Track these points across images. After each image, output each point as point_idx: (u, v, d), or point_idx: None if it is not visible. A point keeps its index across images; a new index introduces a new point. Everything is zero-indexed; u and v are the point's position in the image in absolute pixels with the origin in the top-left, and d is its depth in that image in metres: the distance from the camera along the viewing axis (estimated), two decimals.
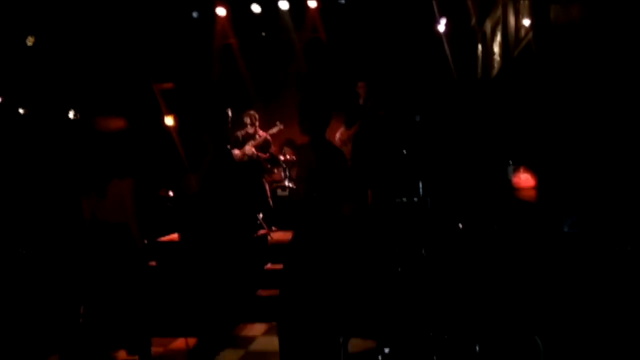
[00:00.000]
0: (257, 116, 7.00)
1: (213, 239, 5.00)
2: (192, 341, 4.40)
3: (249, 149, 6.83)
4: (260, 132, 6.97)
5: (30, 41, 7.12)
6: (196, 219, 5.20)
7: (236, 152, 6.82)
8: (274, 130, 7.06)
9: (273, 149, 7.12)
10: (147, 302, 4.11)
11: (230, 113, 6.67)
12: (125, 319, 3.93)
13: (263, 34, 8.32)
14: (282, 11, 7.68)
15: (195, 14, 7.81)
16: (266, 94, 8.23)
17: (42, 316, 4.43)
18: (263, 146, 6.94)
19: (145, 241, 5.95)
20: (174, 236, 5.93)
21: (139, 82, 8.05)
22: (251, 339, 4.47)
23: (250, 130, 6.93)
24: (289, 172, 7.20)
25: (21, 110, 7.65)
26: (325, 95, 3.80)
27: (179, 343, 4.36)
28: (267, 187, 6.94)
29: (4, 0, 6.43)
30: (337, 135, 6.50)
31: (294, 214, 3.59)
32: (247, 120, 6.92)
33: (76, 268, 4.23)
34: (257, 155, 6.89)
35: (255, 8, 7.61)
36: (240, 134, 6.94)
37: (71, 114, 8.12)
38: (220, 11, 7.71)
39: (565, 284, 2.43)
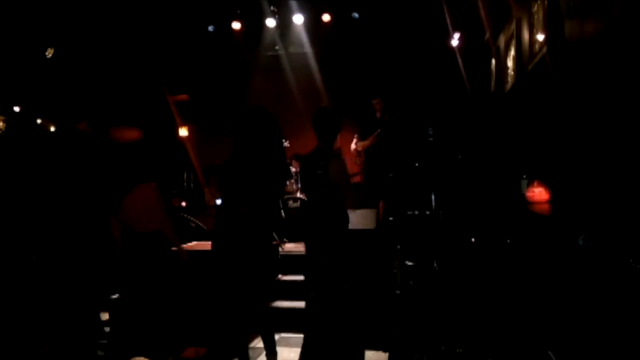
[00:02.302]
0: None
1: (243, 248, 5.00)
2: (202, 350, 4.39)
3: None
4: None
5: (49, 53, 7.27)
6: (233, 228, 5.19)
7: None
8: None
9: None
10: (177, 308, 4.12)
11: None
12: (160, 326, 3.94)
13: (276, 47, 8.41)
14: (296, 25, 7.75)
15: (211, 28, 7.92)
16: (277, 107, 8.30)
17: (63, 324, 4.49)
18: None
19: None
20: (188, 245, 5.95)
21: (154, 94, 8.17)
22: (260, 350, 4.45)
23: None
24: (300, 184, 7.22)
25: (39, 120, 7.80)
26: (336, 108, 3.92)
27: (189, 352, 4.36)
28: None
29: (26, 13, 6.58)
30: (352, 146, 6.56)
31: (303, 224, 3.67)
32: None
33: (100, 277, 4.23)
34: None
35: (270, 22, 7.69)
36: None
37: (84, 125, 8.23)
38: (235, 25, 7.80)
39: (579, 299, 2.40)
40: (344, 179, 3.59)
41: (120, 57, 7.73)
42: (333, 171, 3.53)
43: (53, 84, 7.44)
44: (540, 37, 4.26)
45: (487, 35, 6.45)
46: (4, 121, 7.43)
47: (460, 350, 3.23)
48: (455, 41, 6.56)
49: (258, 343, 4.64)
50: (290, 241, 6.65)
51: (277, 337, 4.77)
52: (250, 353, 4.41)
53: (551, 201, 3.43)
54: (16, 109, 7.54)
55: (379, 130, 6.25)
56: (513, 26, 5.24)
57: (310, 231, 3.57)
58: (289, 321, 4.86)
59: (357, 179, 6.64)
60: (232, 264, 3.49)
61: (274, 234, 6.36)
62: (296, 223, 6.90)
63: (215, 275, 4.80)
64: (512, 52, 5.31)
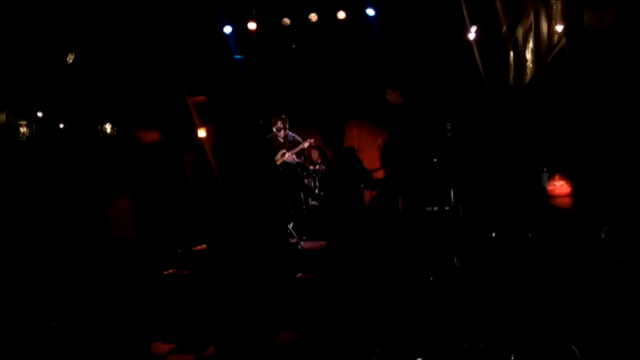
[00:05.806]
0: (287, 120, 6.79)
1: (240, 247, 5.03)
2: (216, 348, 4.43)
3: (290, 156, 6.59)
4: (301, 140, 6.74)
5: (70, 58, 7.41)
6: (224, 227, 5.23)
7: None
8: (305, 144, 6.84)
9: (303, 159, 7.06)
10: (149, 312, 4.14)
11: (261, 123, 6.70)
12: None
13: (293, 46, 8.44)
14: (312, 23, 7.76)
15: (228, 29, 7.97)
16: (296, 106, 8.31)
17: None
18: (298, 154, 6.71)
19: (179, 250, 6.03)
20: (205, 246, 6.03)
21: (173, 96, 8.27)
22: (281, 347, 4.48)
23: (281, 135, 6.74)
24: (319, 182, 7.18)
25: (61, 125, 7.96)
26: (339, 114, 3.95)
27: (209, 351, 4.41)
28: (302, 196, 6.86)
29: (46, 19, 6.72)
30: (379, 141, 6.51)
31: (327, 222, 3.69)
32: (279, 124, 6.71)
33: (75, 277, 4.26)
34: (297, 163, 6.66)
35: (285, 21, 7.72)
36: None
37: (108, 128, 8.39)
38: (251, 25, 7.84)
39: (602, 292, 2.37)
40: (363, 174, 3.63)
41: (139, 60, 7.84)
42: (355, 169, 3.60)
43: (75, 89, 7.59)
44: (559, 28, 4.19)
45: (505, 27, 6.37)
46: (27, 126, 7.59)
47: (482, 345, 3.20)
48: (472, 34, 6.49)
49: (278, 340, 4.67)
50: (308, 239, 6.67)
51: (297, 335, 4.80)
52: (270, 350, 4.45)
53: (573, 194, 3.38)
54: (39, 114, 7.70)
55: (388, 131, 6.22)
56: (531, 18, 5.17)
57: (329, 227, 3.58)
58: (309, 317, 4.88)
59: (379, 174, 6.63)
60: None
61: (293, 232, 6.40)
62: (316, 221, 6.92)
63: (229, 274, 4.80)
64: (531, 44, 5.24)
